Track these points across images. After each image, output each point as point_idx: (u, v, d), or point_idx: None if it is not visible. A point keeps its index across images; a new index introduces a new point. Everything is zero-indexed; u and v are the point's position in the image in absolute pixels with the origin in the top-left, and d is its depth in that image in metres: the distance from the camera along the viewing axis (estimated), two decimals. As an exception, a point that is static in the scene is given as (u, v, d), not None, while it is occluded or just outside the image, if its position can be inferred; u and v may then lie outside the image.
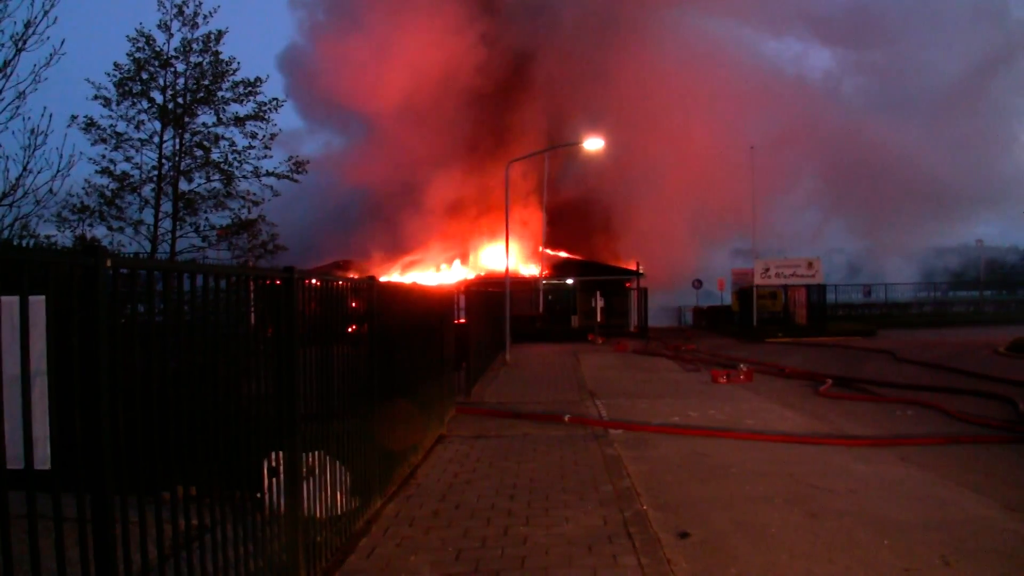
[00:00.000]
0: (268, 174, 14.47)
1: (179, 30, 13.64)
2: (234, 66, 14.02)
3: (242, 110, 14.26)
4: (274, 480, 4.36)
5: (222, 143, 14.19)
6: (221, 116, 14.15)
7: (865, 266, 63.23)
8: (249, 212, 14.52)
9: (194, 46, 13.69)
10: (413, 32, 43.68)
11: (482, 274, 40.40)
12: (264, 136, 14.30)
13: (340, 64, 44.57)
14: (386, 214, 43.78)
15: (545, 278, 38.90)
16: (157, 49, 13.57)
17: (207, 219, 14.17)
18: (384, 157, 45.10)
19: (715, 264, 48.29)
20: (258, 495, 4.22)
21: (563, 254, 45.07)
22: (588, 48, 46.03)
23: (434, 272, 42.17)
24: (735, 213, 43.72)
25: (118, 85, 13.42)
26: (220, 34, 13.86)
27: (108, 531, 2.69)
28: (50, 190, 8.79)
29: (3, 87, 8.36)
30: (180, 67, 13.79)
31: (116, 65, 13.49)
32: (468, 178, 43.89)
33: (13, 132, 8.54)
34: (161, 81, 13.70)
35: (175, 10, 13.50)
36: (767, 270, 34.76)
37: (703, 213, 47.31)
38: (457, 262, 43.81)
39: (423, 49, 43.14)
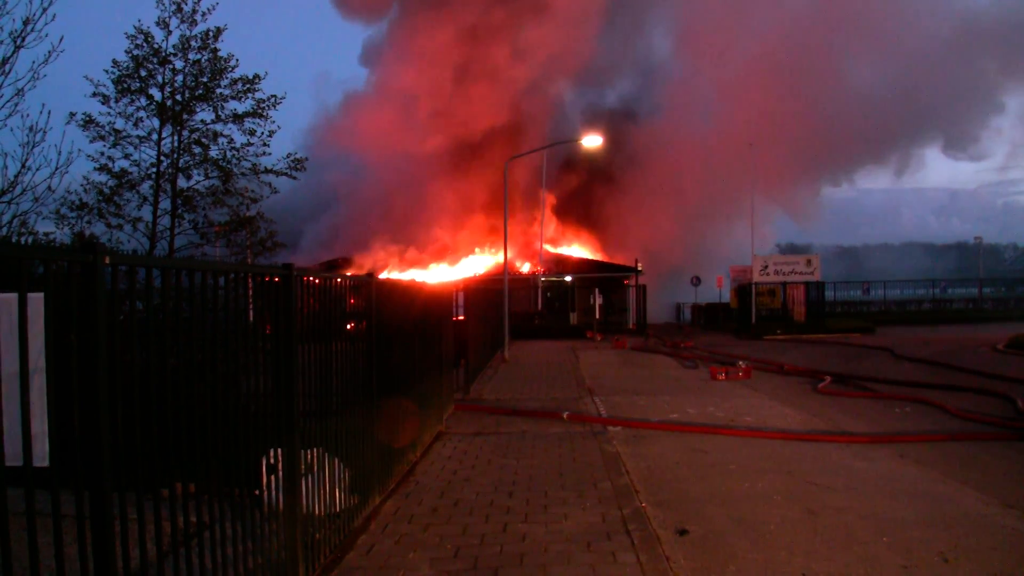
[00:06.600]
0: (267, 171, 14.43)
1: (177, 27, 13.61)
2: (232, 63, 14.01)
3: (241, 107, 14.23)
4: (273, 477, 4.36)
5: (220, 140, 14.15)
6: (220, 113, 14.11)
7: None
8: (248, 209, 14.48)
9: (192, 43, 13.65)
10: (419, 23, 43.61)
11: (481, 271, 40.40)
12: (263, 133, 14.27)
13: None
14: (386, 210, 43.76)
15: (544, 275, 38.89)
16: (156, 46, 13.52)
17: (205, 216, 14.12)
18: (384, 154, 45.06)
19: (713, 261, 48.27)
20: (257, 492, 4.22)
21: (562, 250, 45.09)
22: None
23: (434, 266, 42.15)
24: (736, 208, 43.66)
25: (117, 82, 13.37)
26: (219, 31, 13.83)
27: (107, 528, 2.69)
28: (48, 187, 8.78)
29: (2, 84, 8.35)
30: (178, 64, 13.77)
31: (115, 62, 13.45)
32: (467, 175, 43.88)
33: (12, 129, 8.52)
34: (160, 78, 13.65)
35: (173, 7, 13.47)
36: (766, 267, 34.74)
37: (703, 209, 47.27)
38: (450, 259, 43.79)
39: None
